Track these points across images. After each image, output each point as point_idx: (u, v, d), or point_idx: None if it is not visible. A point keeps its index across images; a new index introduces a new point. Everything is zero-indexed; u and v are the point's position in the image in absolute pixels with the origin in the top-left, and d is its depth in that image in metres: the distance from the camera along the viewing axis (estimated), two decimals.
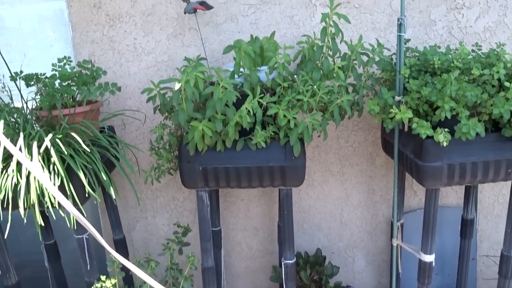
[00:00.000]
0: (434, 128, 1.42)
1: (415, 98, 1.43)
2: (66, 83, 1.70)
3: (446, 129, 1.37)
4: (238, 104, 1.42)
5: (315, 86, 1.43)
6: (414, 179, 1.57)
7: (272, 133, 1.51)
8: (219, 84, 1.32)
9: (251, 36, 1.73)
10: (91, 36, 1.94)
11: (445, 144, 1.36)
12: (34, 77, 1.65)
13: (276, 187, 1.59)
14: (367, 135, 2.05)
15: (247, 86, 1.49)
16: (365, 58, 1.56)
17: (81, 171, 1.36)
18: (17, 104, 1.67)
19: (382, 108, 1.53)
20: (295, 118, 1.46)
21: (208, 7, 1.83)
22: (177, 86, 1.28)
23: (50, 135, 1.33)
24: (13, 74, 1.63)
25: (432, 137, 1.38)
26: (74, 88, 1.68)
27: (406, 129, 1.54)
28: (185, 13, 1.76)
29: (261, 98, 1.46)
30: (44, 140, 1.33)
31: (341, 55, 1.54)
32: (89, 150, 1.36)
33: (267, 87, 1.55)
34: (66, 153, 1.36)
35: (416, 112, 1.49)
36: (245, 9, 1.92)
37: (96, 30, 1.93)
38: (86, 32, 1.94)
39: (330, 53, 1.47)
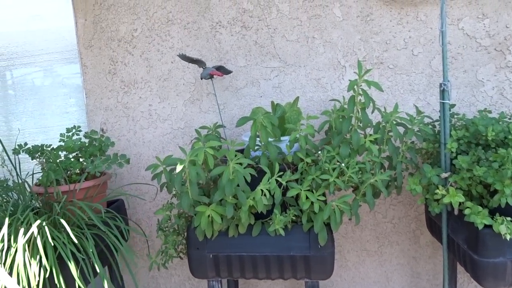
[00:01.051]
0: (491, 213, 1.16)
1: (466, 178, 1.18)
2: (73, 155, 1.57)
3: (509, 218, 1.11)
4: (254, 181, 1.23)
5: (343, 164, 1.22)
6: (469, 274, 1.28)
7: (294, 217, 1.29)
8: (229, 164, 1.14)
9: (272, 103, 1.56)
10: (105, 103, 1.84)
11: (508, 236, 1.09)
12: (39, 149, 1.53)
13: (299, 280, 1.34)
14: (409, 210, 1.78)
15: (265, 162, 1.29)
16: (402, 129, 1.34)
17: (72, 262, 1.18)
18: (29, 179, 1.56)
19: (426, 187, 1.29)
20: (320, 200, 1.24)
21: (226, 72, 1.70)
22: (178, 168, 1.10)
23: (37, 222, 1.17)
24: (17, 147, 1.51)
25: (491, 226, 1.12)
26: (81, 160, 1.54)
27: (456, 212, 1.27)
28: (201, 79, 1.63)
29: (280, 176, 1.25)
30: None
31: (374, 125, 1.33)
32: (76, 241, 1.18)
33: (288, 161, 1.35)
34: (57, 240, 1.19)
35: (468, 193, 1.24)
36: (267, 72, 1.77)
37: (111, 96, 1.83)
38: (100, 99, 1.84)
39: (360, 124, 1.26)
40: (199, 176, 1.14)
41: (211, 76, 1.62)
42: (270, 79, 1.77)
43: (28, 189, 1.45)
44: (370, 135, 1.28)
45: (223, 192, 1.15)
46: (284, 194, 1.31)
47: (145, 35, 1.79)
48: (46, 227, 1.15)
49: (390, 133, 1.31)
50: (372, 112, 1.31)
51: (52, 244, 1.15)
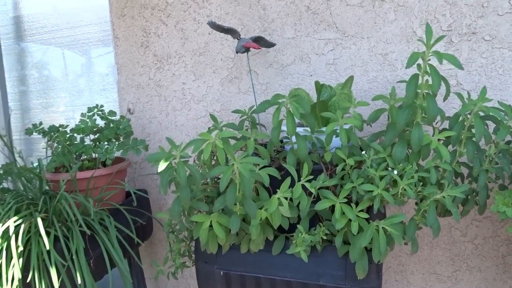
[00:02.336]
0: None
1: None
2: (91, 138, 1.40)
3: None
4: (277, 183, 0.94)
5: (395, 171, 0.87)
6: None
7: (326, 235, 0.97)
8: (233, 165, 0.85)
9: (317, 83, 1.22)
10: (136, 80, 1.64)
11: None
12: (55, 129, 1.38)
13: None
14: (498, 229, 1.35)
15: (292, 160, 0.98)
16: (491, 125, 0.93)
17: (54, 268, 1.00)
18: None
19: None
20: (360, 217, 0.90)
21: (267, 45, 1.39)
22: (161, 167, 0.84)
23: (13, 218, 0.99)
24: (31, 127, 1.38)
25: None
26: (97, 145, 1.36)
27: None
28: (236, 52, 1.34)
29: (309, 181, 0.94)
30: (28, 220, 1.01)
31: (448, 118, 0.94)
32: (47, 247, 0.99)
33: (325, 161, 1.03)
34: (43, 238, 1.01)
35: None
36: (320, 45, 1.43)
37: (143, 73, 1.63)
38: (132, 75, 1.65)
39: (425, 116, 0.89)
40: (194, 178, 0.87)
41: (246, 49, 1.33)
42: (324, 54, 1.43)
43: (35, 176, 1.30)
44: (441, 131, 0.91)
45: (224, 200, 0.87)
46: (316, 203, 0.99)
47: (180, 1, 1.55)
48: (23, 226, 0.98)
49: (473, 130, 0.92)
50: (445, 98, 0.92)
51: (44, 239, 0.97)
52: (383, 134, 0.97)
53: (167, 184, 0.85)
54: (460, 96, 0.95)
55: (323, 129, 1.10)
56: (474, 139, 0.92)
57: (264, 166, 0.95)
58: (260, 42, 1.37)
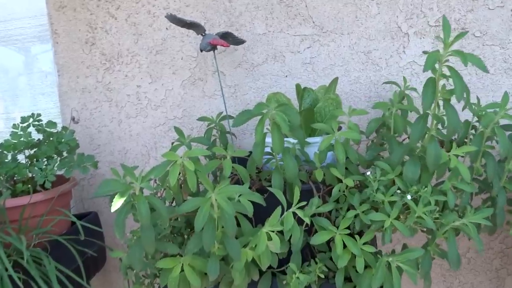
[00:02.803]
0: None
1: None
2: (26, 154, 1.15)
3: None
4: (268, 211, 0.76)
5: (409, 196, 0.71)
6: None
7: (323, 272, 0.81)
8: (209, 198, 0.66)
9: (298, 87, 1.06)
10: (82, 82, 1.40)
11: None
12: None
13: None
14: (491, 241, 1.26)
15: (278, 183, 0.81)
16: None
17: None
18: None
19: None
20: (365, 251, 0.74)
21: (236, 41, 1.21)
22: (115, 205, 0.64)
23: None
24: None
25: None
26: (32, 163, 1.12)
27: None
28: (201, 51, 1.15)
29: (302, 207, 0.77)
30: None
31: (463, 129, 0.81)
32: None
33: (316, 179, 0.86)
34: None
35: None
36: (295, 42, 1.26)
37: (89, 74, 1.39)
38: (76, 78, 1.40)
39: (441, 129, 0.74)
40: (160, 213, 0.67)
41: (212, 47, 1.14)
42: (300, 52, 1.27)
43: None
44: (452, 142, 0.76)
45: (200, 240, 0.68)
46: (309, 233, 0.83)
47: None
48: None
49: (494, 139, 0.78)
50: (464, 108, 0.78)
51: None
52: (380, 148, 0.82)
53: (123, 226, 0.65)
54: (469, 105, 0.81)
55: (310, 140, 0.93)
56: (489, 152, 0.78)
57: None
58: (228, 38, 1.19)
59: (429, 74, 0.75)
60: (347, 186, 0.81)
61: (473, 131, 0.88)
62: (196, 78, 1.34)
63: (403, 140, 0.96)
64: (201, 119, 1.18)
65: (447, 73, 0.68)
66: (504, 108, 0.76)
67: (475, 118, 0.87)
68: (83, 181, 1.46)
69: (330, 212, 0.84)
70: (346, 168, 0.84)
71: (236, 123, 0.80)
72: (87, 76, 1.40)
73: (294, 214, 0.77)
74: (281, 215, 0.78)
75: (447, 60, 0.69)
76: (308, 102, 1.04)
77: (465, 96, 0.68)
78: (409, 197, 0.72)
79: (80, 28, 1.38)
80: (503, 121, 0.79)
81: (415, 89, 1.14)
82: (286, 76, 1.29)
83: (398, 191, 0.75)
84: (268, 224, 0.74)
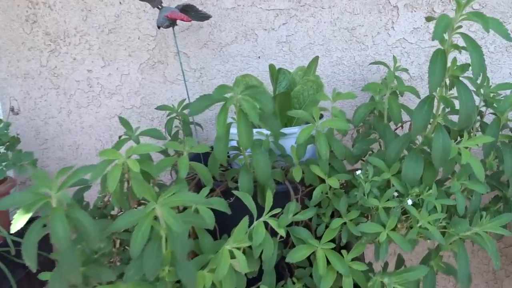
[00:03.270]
0: None
1: None
2: None
3: None
4: (235, 218, 0.60)
5: (409, 200, 0.57)
6: None
7: None
8: (151, 211, 0.49)
9: (271, 67, 0.90)
10: (23, 67, 1.21)
11: None
12: None
13: None
14: None
15: (247, 185, 0.65)
16: None
17: None
18: None
19: None
20: (354, 269, 0.59)
21: (201, 17, 1.03)
22: (17, 224, 0.47)
23: None
24: None
25: None
26: None
27: None
28: (158, 27, 0.97)
29: (274, 216, 0.62)
30: None
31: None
32: None
33: (292, 178, 0.71)
34: None
35: None
36: (269, 18, 1.10)
37: (31, 57, 1.20)
38: (16, 62, 1.21)
39: (450, 118, 0.59)
40: (86, 231, 0.50)
41: (171, 23, 0.96)
42: (274, 30, 1.10)
43: None
44: (462, 134, 0.61)
45: (140, 265, 0.51)
46: (285, 244, 0.67)
47: None
48: None
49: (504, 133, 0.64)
50: (479, 88, 0.63)
51: None
52: (371, 140, 0.67)
53: (34, 254, 0.48)
54: (484, 81, 0.66)
55: (286, 130, 0.77)
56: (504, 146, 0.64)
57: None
58: (190, 12, 1.01)
59: (427, 50, 0.60)
60: (330, 187, 0.66)
61: (478, 118, 0.73)
62: (155, 60, 1.16)
63: (395, 129, 0.82)
64: (161, 107, 1.01)
65: (460, 43, 0.53)
66: None
67: (482, 102, 0.73)
68: (31, 181, 1.28)
69: (310, 219, 0.69)
70: (330, 165, 0.69)
71: (193, 110, 0.63)
72: (29, 60, 1.20)
73: (266, 224, 0.62)
74: (250, 226, 0.62)
75: (460, 27, 0.54)
76: (284, 86, 0.88)
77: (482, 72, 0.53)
78: (409, 202, 0.57)
79: (19, 3, 1.18)
80: None
81: (406, 70, 1.00)
82: (259, 57, 1.13)
83: (396, 194, 0.60)
84: (232, 239, 0.58)
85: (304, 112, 0.66)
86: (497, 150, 0.64)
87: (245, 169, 0.67)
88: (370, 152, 0.75)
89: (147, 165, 0.63)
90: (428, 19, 0.54)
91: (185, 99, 1.05)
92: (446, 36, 0.56)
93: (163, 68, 1.17)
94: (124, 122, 0.76)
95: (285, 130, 0.81)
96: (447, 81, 0.57)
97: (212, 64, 1.15)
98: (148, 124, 1.20)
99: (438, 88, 0.57)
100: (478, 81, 0.53)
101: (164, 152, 0.83)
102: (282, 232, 0.60)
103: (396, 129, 0.82)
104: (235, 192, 0.64)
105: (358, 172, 0.62)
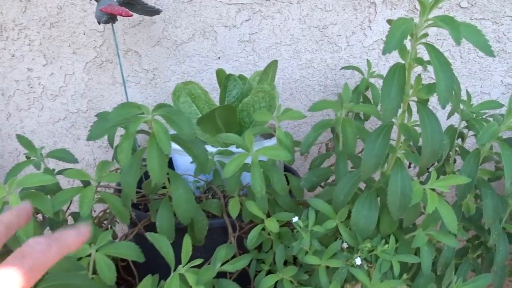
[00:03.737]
0: None
1: None
2: None
3: None
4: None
5: (357, 260, 0.44)
6: None
7: None
8: None
9: (219, 74, 0.77)
10: None
11: None
12: None
13: None
14: None
15: (166, 223, 0.52)
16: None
17: None
18: None
19: None
20: None
21: (148, 11, 0.90)
22: None
23: None
24: None
25: None
26: None
27: None
28: (98, 23, 0.84)
29: (200, 264, 0.49)
30: None
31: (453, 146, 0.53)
32: None
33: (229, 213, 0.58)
34: None
35: None
36: (230, 13, 0.96)
37: None
38: None
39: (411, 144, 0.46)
40: None
41: (109, 18, 0.83)
42: (236, 27, 0.97)
43: None
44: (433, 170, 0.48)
45: None
46: None
47: None
48: None
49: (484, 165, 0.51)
50: (451, 115, 0.50)
51: None
52: (328, 172, 0.54)
53: None
54: (458, 104, 0.53)
55: (234, 149, 0.65)
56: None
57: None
58: (136, 6, 0.88)
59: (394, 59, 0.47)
60: (262, 229, 0.53)
61: (459, 141, 0.61)
62: (103, 59, 1.03)
63: (362, 151, 0.69)
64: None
65: (425, 56, 0.40)
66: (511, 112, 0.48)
67: (463, 122, 0.60)
68: None
69: (249, 264, 0.57)
70: (274, 200, 0.56)
71: (92, 135, 0.50)
72: None
73: (183, 277, 0.49)
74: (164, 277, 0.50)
75: (425, 35, 0.41)
76: (235, 95, 0.75)
77: (455, 92, 0.40)
78: (358, 261, 0.45)
79: None
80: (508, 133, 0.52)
81: (382, 76, 0.87)
82: (219, 57, 1.00)
83: (345, 246, 0.48)
84: None
85: (236, 136, 0.53)
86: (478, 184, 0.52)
87: (165, 205, 0.54)
88: (328, 186, 0.63)
89: (38, 201, 0.50)
90: (389, 22, 0.41)
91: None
92: (409, 46, 0.43)
93: (112, 68, 1.03)
94: (23, 141, 0.63)
95: (232, 149, 0.68)
96: (416, 103, 0.44)
97: (166, 65, 1.02)
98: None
99: (399, 113, 0.44)
100: (446, 108, 0.40)
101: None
102: None
103: (361, 151, 0.69)
104: (149, 235, 0.51)
105: (295, 219, 0.50)
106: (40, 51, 1.04)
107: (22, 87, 1.07)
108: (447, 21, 0.37)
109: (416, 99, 0.44)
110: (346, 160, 0.55)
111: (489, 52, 0.39)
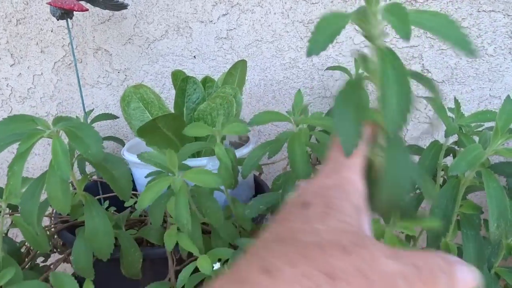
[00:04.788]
0: None
1: None
2: None
3: None
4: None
5: None
6: None
7: None
8: None
9: (175, 75, 0.67)
10: None
11: None
12: None
13: None
14: None
15: (82, 261, 0.43)
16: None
17: None
18: None
19: None
20: None
21: (113, 5, 0.81)
22: None
23: None
24: None
25: None
26: None
27: None
28: (57, 19, 0.76)
29: None
30: None
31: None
32: None
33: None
34: None
35: None
36: (206, 7, 0.87)
37: None
38: None
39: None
40: None
41: (64, 13, 0.75)
42: (212, 22, 0.88)
43: None
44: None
45: None
46: None
47: None
48: None
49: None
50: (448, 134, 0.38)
51: None
52: (274, 198, 0.44)
53: None
54: (440, 111, 0.41)
55: (192, 162, 0.55)
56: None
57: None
58: (96, 0, 0.79)
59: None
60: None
61: (448, 161, 0.49)
62: (72, 59, 0.95)
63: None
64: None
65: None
66: (505, 128, 0.36)
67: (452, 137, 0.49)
68: None
69: None
70: (216, 232, 0.47)
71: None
72: None
73: None
74: None
75: (384, 31, 0.30)
76: (195, 100, 0.65)
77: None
78: None
79: None
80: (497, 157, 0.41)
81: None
82: (195, 56, 0.90)
83: None
84: None
85: (160, 156, 0.44)
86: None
87: (81, 236, 0.45)
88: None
89: None
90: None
91: (92, 110, 0.84)
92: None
93: (81, 68, 0.95)
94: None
95: (190, 162, 0.59)
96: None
97: (138, 64, 0.93)
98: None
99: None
100: (394, 135, 0.29)
101: None
102: None
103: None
104: (52, 276, 0.42)
105: (216, 265, 0.40)
106: (7, 50, 0.97)
107: None
108: (392, 11, 0.27)
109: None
110: (294, 187, 0.45)
111: (466, 49, 0.28)
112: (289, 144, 0.42)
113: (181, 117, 0.56)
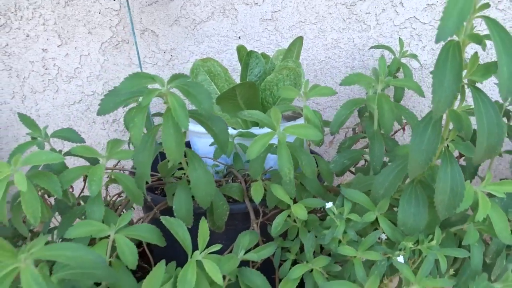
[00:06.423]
0: None
1: None
2: None
3: None
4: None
5: (399, 256, 0.39)
6: None
7: None
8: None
9: (240, 50, 0.72)
10: None
11: None
12: None
13: None
14: None
15: (184, 207, 0.48)
16: None
17: None
18: None
19: None
20: None
21: None
22: None
23: None
24: None
25: None
26: None
27: None
28: None
29: (219, 251, 0.45)
30: None
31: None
32: None
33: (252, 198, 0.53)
34: None
35: None
36: None
37: None
38: None
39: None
40: None
41: None
42: (258, 4, 0.92)
43: None
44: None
45: None
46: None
47: None
48: None
49: None
50: (502, 112, 0.44)
51: None
52: (359, 154, 0.48)
53: None
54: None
55: (256, 131, 0.60)
56: None
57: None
58: None
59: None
60: (295, 221, 0.49)
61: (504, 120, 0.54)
62: (119, 39, 0.99)
63: (394, 133, 0.63)
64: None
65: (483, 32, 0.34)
66: None
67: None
68: None
69: (274, 253, 0.52)
70: (301, 184, 0.51)
71: (102, 110, 0.46)
72: None
73: (200, 264, 0.45)
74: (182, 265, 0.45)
75: (486, 6, 0.34)
76: (257, 73, 0.70)
77: None
78: (400, 259, 0.40)
79: None
80: None
81: (415, 56, 0.81)
82: (239, 37, 0.95)
83: (384, 237, 0.42)
84: None
85: (261, 113, 0.49)
86: None
87: (182, 187, 0.50)
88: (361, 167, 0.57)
89: (45, 180, 0.47)
90: None
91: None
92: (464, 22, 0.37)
93: (128, 48, 0.99)
94: (25, 120, 0.60)
95: (254, 131, 0.63)
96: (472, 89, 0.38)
97: (184, 45, 0.97)
98: (111, 116, 1.04)
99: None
100: (507, 102, 0.33)
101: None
102: (219, 281, 0.43)
103: (395, 133, 0.63)
104: (164, 220, 0.47)
105: (329, 204, 0.45)
106: (55, 31, 1.01)
107: (37, 69, 1.04)
108: None
109: (467, 83, 0.38)
110: (381, 142, 0.49)
111: None
112: (378, 102, 0.46)
113: (255, 85, 0.60)
